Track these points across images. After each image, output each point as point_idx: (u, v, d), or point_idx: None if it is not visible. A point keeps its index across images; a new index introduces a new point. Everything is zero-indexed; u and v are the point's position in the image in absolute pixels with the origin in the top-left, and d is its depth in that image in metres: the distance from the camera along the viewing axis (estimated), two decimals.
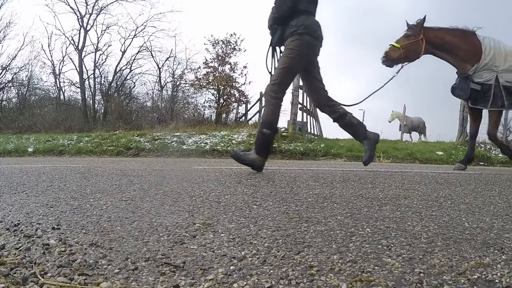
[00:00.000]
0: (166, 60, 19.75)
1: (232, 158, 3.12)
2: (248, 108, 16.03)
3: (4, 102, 17.83)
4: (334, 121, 3.20)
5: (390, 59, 4.49)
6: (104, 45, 19.08)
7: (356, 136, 3.29)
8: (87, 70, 18.31)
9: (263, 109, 11.80)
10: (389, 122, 16.29)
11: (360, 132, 3.18)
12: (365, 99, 3.98)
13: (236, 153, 3.15)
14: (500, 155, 7.63)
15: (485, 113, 4.62)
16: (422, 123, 15.88)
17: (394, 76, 4.45)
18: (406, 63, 4.50)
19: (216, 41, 16.37)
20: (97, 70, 18.68)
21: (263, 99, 3.11)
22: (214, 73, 16.12)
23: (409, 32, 4.48)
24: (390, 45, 4.51)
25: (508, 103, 4.31)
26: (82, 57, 17.91)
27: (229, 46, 16.49)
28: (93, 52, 18.44)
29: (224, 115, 16.70)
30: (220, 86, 16.13)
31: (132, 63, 19.28)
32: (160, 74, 19.92)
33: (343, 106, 3.18)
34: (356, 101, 3.83)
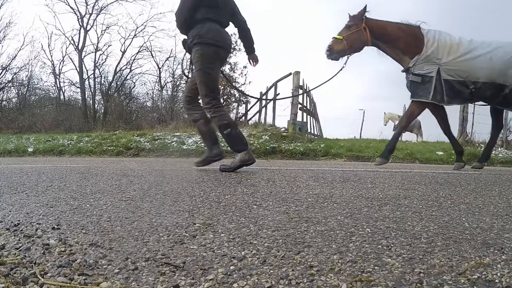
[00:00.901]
0: (166, 60, 19.76)
1: (224, 172, 3.22)
2: (248, 108, 16.03)
3: (4, 102, 17.84)
4: (192, 122, 3.44)
5: (334, 52, 4.44)
6: (104, 45, 19.10)
7: (204, 141, 3.53)
8: (87, 70, 18.33)
9: (259, 111, 11.78)
10: (385, 125, 16.28)
11: (207, 140, 3.35)
12: (310, 90, 4.08)
13: (225, 167, 3.27)
14: (500, 155, 7.63)
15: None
16: (417, 123, 15.85)
17: (342, 67, 4.48)
18: (352, 53, 4.46)
19: None
20: (97, 70, 18.70)
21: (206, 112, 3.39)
22: None
23: (350, 23, 4.42)
24: (332, 38, 4.45)
25: (448, 99, 4.21)
26: (82, 57, 17.93)
27: None
28: (93, 52, 18.45)
29: None
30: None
31: (132, 63, 19.30)
32: (160, 74, 19.93)
33: (203, 112, 3.33)
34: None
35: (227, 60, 2.96)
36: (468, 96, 4.24)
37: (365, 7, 4.41)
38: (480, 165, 4.80)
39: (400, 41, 4.30)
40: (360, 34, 4.33)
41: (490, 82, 4.16)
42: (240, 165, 3.14)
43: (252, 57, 3.57)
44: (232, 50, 3.19)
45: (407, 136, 15.61)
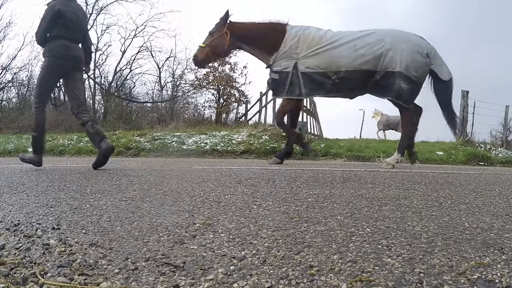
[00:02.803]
0: (166, 60, 19.74)
1: (20, 160, 3.67)
2: (248, 108, 16.02)
3: (4, 102, 17.82)
4: (81, 125, 3.81)
5: (198, 61, 4.56)
6: (104, 45, 19.07)
7: (93, 142, 3.78)
8: None
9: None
10: (372, 117, 16.34)
11: (96, 140, 3.61)
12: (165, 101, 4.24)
13: (22, 157, 3.74)
14: (500, 155, 7.63)
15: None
16: (397, 122, 15.80)
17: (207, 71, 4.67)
18: (217, 59, 4.51)
19: None
20: (97, 70, 18.69)
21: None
22: (214, 73, 16.12)
23: (212, 29, 4.49)
24: (198, 46, 4.54)
25: (307, 90, 4.16)
26: None
27: None
28: (93, 52, 18.43)
29: (224, 115, 16.70)
30: (220, 86, 16.13)
31: (132, 63, 19.28)
32: (160, 74, 19.91)
33: (89, 116, 3.75)
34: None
35: (82, 68, 3.84)
36: (331, 87, 4.16)
37: (227, 12, 4.44)
38: (414, 160, 4.73)
39: (263, 41, 4.31)
40: (222, 39, 4.36)
41: (355, 70, 4.08)
42: (29, 161, 3.61)
43: (88, 68, 4.21)
44: (90, 60, 4.11)
45: (383, 134, 15.57)
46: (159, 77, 19.87)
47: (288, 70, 4.12)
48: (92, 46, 4.01)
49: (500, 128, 12.01)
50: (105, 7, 17.93)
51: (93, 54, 4.25)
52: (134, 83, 19.96)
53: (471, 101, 9.03)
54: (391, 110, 16.70)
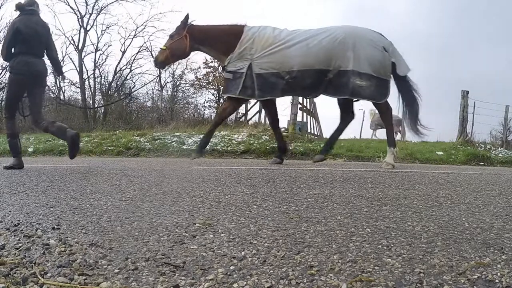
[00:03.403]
0: None
1: (4, 169, 3.74)
2: (248, 108, 16.00)
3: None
4: (43, 131, 4.13)
5: (159, 62, 4.72)
6: (104, 45, 19.05)
7: (60, 137, 4.12)
8: (87, 70, 18.30)
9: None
10: (370, 118, 16.40)
11: (61, 134, 3.92)
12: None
13: (5, 166, 3.84)
14: (500, 155, 7.64)
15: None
16: (396, 121, 15.81)
17: (158, 76, 4.86)
18: (176, 61, 4.79)
19: None
20: (97, 70, 18.67)
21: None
22: (214, 73, 16.11)
23: (173, 32, 4.67)
24: (160, 48, 4.74)
25: (260, 93, 4.18)
26: (82, 57, 17.90)
27: None
28: (93, 52, 18.41)
29: None
30: (220, 86, 16.13)
31: (132, 63, 19.26)
32: (160, 74, 19.89)
33: (46, 121, 4.02)
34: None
35: (44, 83, 4.14)
36: (284, 87, 4.17)
37: (187, 15, 4.59)
38: (321, 157, 4.73)
39: (220, 42, 4.42)
40: (181, 42, 4.50)
41: (307, 70, 4.08)
42: (11, 167, 3.73)
43: (62, 76, 4.85)
44: (60, 69, 4.45)
45: (375, 134, 15.59)
46: (159, 77, 19.85)
47: (243, 71, 4.17)
48: (58, 56, 4.27)
49: (500, 128, 12.00)
50: (105, 7, 17.90)
51: (61, 63, 4.48)
52: (134, 83, 19.95)
53: (471, 101, 9.03)
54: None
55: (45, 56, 4.00)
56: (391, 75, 4.21)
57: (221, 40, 4.39)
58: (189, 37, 4.46)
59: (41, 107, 4.15)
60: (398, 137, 15.15)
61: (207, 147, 4.98)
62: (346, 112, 4.62)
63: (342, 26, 4.26)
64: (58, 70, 4.38)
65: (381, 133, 15.79)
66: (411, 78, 4.39)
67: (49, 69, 4.51)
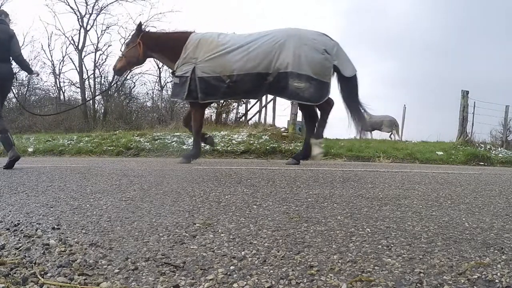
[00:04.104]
0: None
1: (4, 169, 3.79)
2: (248, 108, 16.00)
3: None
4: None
5: (116, 70, 4.98)
6: (104, 45, 19.06)
7: (5, 148, 4.16)
8: (87, 70, 18.30)
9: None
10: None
11: (5, 146, 4.00)
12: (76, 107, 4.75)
13: (5, 165, 3.88)
14: (500, 155, 7.64)
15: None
16: (389, 121, 15.82)
17: (115, 82, 5.13)
18: (132, 68, 5.10)
19: None
20: (97, 70, 18.66)
21: None
22: None
23: (128, 41, 4.95)
24: (119, 56, 4.97)
25: (203, 96, 4.30)
26: (82, 57, 17.90)
27: None
28: (93, 52, 18.40)
29: (224, 115, 16.67)
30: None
31: None
32: (160, 74, 19.89)
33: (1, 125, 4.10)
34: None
35: (12, 83, 4.58)
36: (226, 90, 4.27)
37: (139, 24, 4.90)
38: (295, 162, 4.65)
39: (169, 49, 4.57)
40: (135, 50, 4.70)
41: (247, 73, 4.15)
42: (9, 162, 3.80)
43: (33, 74, 4.92)
44: (27, 68, 4.62)
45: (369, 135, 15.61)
46: (159, 77, 19.85)
47: (187, 75, 4.30)
48: (22, 56, 4.44)
49: (500, 128, 12.00)
50: (105, 7, 17.90)
51: (28, 61, 4.88)
52: (134, 83, 19.95)
53: (471, 101, 9.03)
54: (375, 110, 16.77)
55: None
56: (333, 77, 4.26)
57: (170, 46, 4.56)
58: (142, 45, 4.64)
59: (0, 108, 4.40)
60: (395, 137, 15.16)
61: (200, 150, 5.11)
62: (309, 111, 4.66)
63: (285, 29, 4.35)
64: (25, 70, 4.56)
65: (381, 134, 15.82)
66: (357, 77, 4.42)
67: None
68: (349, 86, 4.33)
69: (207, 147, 5.51)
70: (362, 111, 4.44)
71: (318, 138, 4.44)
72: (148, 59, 4.97)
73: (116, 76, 5.29)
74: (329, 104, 4.38)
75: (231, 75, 4.18)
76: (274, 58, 4.08)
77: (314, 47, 4.08)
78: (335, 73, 4.27)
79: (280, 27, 4.36)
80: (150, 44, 4.66)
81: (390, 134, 15.52)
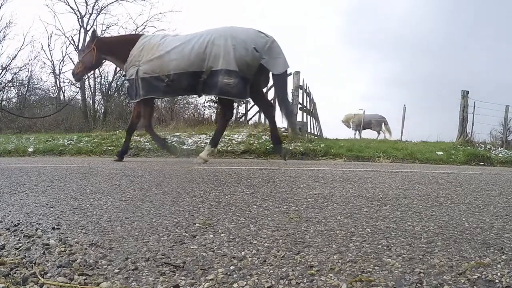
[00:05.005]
0: None
1: None
2: (248, 108, 15.99)
3: (4, 102, 17.80)
4: None
5: (75, 75, 5.33)
6: None
7: None
8: None
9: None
10: (342, 121, 16.51)
11: None
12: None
13: None
14: (500, 155, 7.64)
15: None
16: (377, 121, 15.84)
17: (74, 84, 5.53)
18: (89, 72, 5.50)
19: None
20: (97, 70, 18.66)
21: None
22: None
23: (84, 47, 5.36)
24: (77, 61, 5.34)
25: (144, 93, 4.58)
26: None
27: None
28: None
29: None
30: None
31: None
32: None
33: None
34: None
35: None
36: (165, 89, 4.55)
37: (94, 30, 5.30)
38: (281, 150, 5.12)
39: (120, 52, 4.86)
40: (90, 55, 5.05)
41: (183, 72, 4.40)
42: None
43: None
44: None
45: (353, 134, 15.67)
46: None
47: (133, 77, 4.62)
48: None
49: (500, 128, 11.98)
50: (105, 7, 17.89)
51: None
52: None
53: (471, 101, 9.03)
54: (350, 110, 16.85)
55: None
56: (256, 74, 4.44)
57: (121, 50, 4.84)
58: (96, 50, 4.98)
59: None
60: (381, 136, 15.18)
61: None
62: (262, 101, 5.06)
63: (219, 28, 4.57)
64: None
65: (377, 134, 15.82)
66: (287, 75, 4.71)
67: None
68: (279, 83, 4.59)
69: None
70: (290, 107, 4.79)
71: (212, 146, 4.79)
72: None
73: (75, 79, 5.74)
74: (230, 110, 4.75)
75: (169, 75, 4.46)
76: (206, 57, 4.32)
77: (244, 45, 4.28)
78: (269, 71, 4.49)
79: (217, 27, 4.61)
80: (103, 48, 5.01)
81: (379, 133, 15.54)
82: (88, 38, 5.79)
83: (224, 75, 4.21)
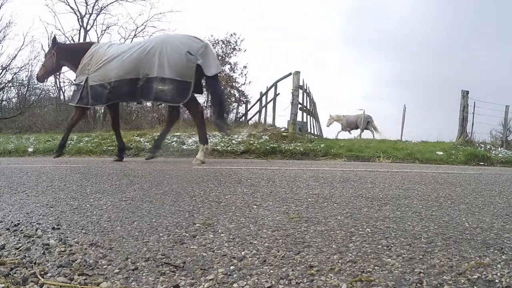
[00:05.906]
0: None
1: None
2: (248, 108, 16.00)
3: (4, 102, 17.80)
4: None
5: (38, 77, 5.74)
6: None
7: None
8: None
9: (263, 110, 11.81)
10: (327, 126, 16.58)
11: None
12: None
13: None
14: (500, 155, 7.63)
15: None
16: (361, 120, 15.83)
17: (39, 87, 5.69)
18: (50, 76, 5.86)
19: (216, 41, 16.38)
20: None
21: None
22: None
23: (47, 52, 5.71)
24: (41, 65, 5.74)
25: (92, 101, 4.97)
26: None
27: (229, 46, 16.51)
28: None
29: (224, 115, 16.66)
30: (221, 86, 16.11)
31: None
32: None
33: None
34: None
35: None
36: (108, 95, 4.86)
37: (54, 37, 5.73)
38: (151, 156, 5.66)
39: (74, 59, 5.22)
40: (50, 60, 5.45)
41: (122, 79, 4.74)
42: None
43: None
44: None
45: (347, 135, 15.67)
46: None
47: (82, 84, 4.98)
48: None
49: (500, 128, 11.97)
50: (105, 7, 17.89)
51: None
52: None
53: (471, 101, 9.02)
54: (349, 110, 16.84)
55: None
56: (195, 77, 4.65)
57: (75, 56, 5.18)
58: (56, 55, 5.35)
59: None
60: (369, 135, 15.16)
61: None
62: (171, 113, 5.63)
63: (156, 37, 4.97)
64: None
65: (374, 134, 15.78)
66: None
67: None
68: (212, 84, 4.87)
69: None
70: (221, 107, 5.10)
71: (203, 143, 5.08)
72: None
73: (38, 81, 6.34)
74: (197, 108, 5.05)
75: (110, 82, 4.78)
76: (142, 65, 4.65)
77: (178, 50, 4.57)
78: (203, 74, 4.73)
79: (156, 36, 5.01)
80: (61, 55, 5.36)
81: (372, 131, 15.53)
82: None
83: (158, 82, 4.54)
